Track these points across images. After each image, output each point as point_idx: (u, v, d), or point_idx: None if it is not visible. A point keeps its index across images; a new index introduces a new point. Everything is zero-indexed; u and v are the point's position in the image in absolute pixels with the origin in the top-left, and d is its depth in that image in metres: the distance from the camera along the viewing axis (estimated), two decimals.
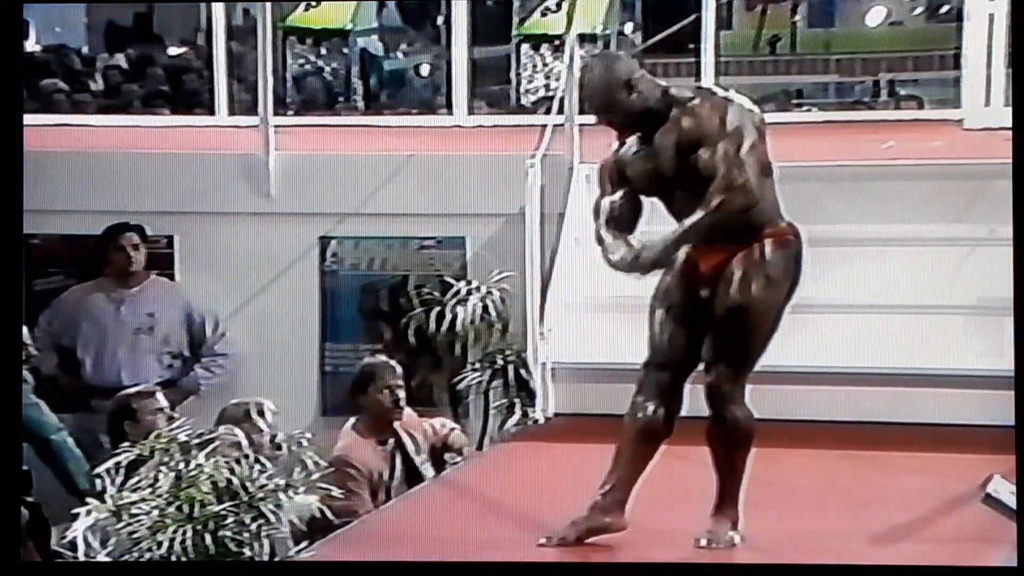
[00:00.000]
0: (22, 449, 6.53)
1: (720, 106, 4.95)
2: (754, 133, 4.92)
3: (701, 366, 5.08)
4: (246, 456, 4.90)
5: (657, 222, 5.20)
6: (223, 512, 4.71)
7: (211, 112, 9.28)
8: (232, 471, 4.78)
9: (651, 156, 5.03)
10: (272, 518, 4.73)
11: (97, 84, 10.67)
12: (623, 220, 5.09)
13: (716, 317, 5.01)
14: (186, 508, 4.71)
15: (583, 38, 8.92)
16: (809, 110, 9.74)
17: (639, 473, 5.16)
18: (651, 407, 5.13)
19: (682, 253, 5.07)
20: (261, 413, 6.27)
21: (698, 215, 4.90)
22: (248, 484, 4.77)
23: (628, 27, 10.44)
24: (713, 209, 4.88)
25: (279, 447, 5.32)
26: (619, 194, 5.10)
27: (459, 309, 7.46)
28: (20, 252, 5.82)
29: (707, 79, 8.63)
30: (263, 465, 4.88)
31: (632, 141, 5.09)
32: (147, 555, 4.69)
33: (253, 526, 4.73)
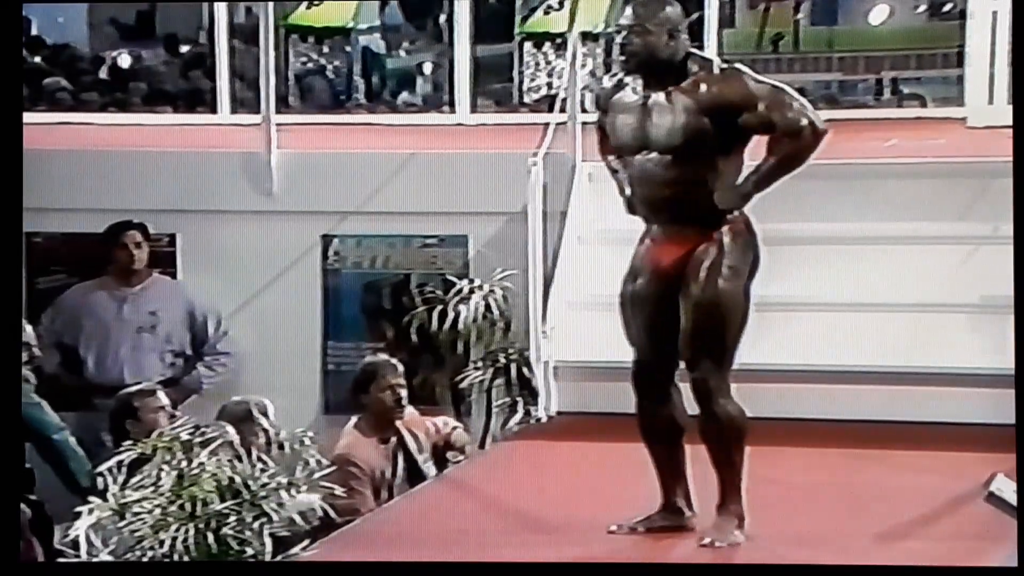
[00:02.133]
0: (23, 448, 6.55)
1: (739, 75, 5.02)
2: None
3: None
4: (239, 457, 4.89)
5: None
6: (225, 511, 4.71)
7: (213, 110, 9.28)
8: (234, 469, 4.78)
9: (644, 111, 5.03)
10: (274, 516, 4.73)
11: (99, 82, 10.67)
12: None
13: (688, 315, 5.02)
14: (188, 506, 4.71)
15: (585, 36, 8.91)
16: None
17: (678, 470, 5.20)
18: (647, 408, 5.17)
19: (643, 249, 5.12)
20: (263, 412, 6.26)
21: (774, 158, 4.95)
22: (250, 482, 4.77)
23: None
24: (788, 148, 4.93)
25: (281, 446, 5.31)
26: None
27: (461, 307, 7.45)
28: (20, 250, 5.82)
29: None
30: (265, 464, 4.88)
31: (631, 89, 5.09)
32: (149, 553, 4.69)
33: (255, 524, 4.72)
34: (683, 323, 5.03)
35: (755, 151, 5.06)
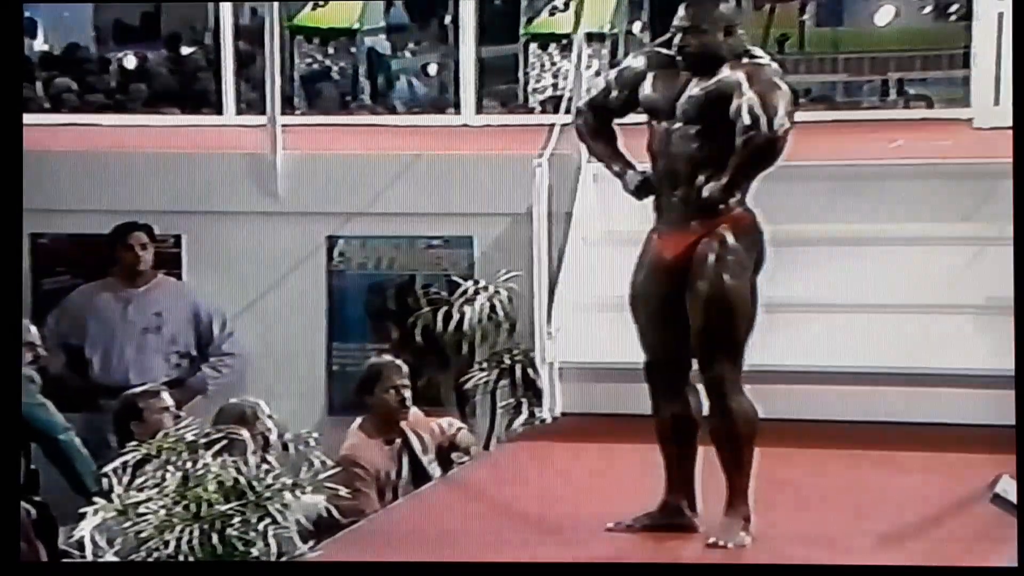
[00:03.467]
0: (29, 448, 6.56)
1: (758, 68, 5.00)
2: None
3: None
4: (245, 462, 4.89)
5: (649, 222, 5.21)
6: (230, 511, 4.70)
7: (219, 112, 9.29)
8: (239, 470, 4.78)
9: (683, 82, 5.05)
10: (279, 517, 4.72)
11: (106, 84, 10.68)
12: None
13: (698, 314, 5.02)
14: (193, 507, 4.71)
15: (591, 37, 8.91)
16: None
17: (688, 471, 5.19)
18: (661, 408, 5.17)
19: (649, 245, 5.14)
20: (256, 415, 6.24)
21: (736, 156, 4.92)
22: (255, 483, 4.76)
23: (636, 26, 10.42)
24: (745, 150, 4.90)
25: (285, 447, 5.31)
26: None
27: (466, 308, 7.45)
28: (20, 251, 5.81)
29: None
30: (270, 464, 4.88)
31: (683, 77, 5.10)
32: (154, 554, 4.68)
33: (260, 525, 4.71)
34: (693, 323, 5.03)
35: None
